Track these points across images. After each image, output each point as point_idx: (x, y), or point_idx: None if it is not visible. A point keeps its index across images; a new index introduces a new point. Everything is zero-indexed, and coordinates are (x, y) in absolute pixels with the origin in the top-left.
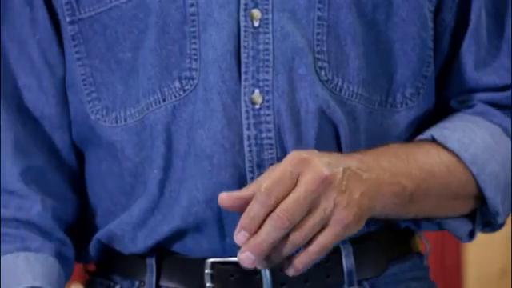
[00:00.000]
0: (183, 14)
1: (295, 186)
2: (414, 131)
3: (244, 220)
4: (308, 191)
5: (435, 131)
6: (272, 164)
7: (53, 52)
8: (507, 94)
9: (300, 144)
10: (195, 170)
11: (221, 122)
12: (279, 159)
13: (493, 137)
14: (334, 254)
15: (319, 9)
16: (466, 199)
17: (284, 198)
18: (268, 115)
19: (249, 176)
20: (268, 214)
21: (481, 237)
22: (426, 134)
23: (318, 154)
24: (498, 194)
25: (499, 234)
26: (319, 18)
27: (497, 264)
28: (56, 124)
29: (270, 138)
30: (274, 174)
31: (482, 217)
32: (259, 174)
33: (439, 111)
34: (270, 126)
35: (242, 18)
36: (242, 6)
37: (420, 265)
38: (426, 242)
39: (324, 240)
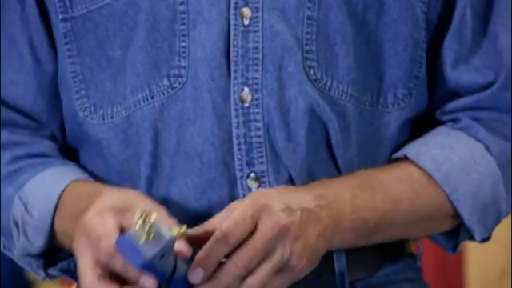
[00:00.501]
0: (173, 11)
1: (254, 230)
2: (406, 132)
3: (201, 255)
4: (266, 240)
5: (411, 148)
6: (262, 163)
7: (43, 50)
8: (491, 91)
9: (290, 142)
10: (185, 168)
11: (211, 120)
12: (268, 157)
13: (473, 156)
14: (325, 255)
15: (309, 8)
16: (442, 219)
17: (242, 239)
18: (257, 113)
19: (238, 174)
20: (224, 254)
21: None
22: (401, 152)
23: (277, 197)
24: (474, 213)
25: (500, 235)
26: (309, 18)
27: (497, 264)
28: (45, 122)
29: (259, 137)
30: (235, 215)
31: (465, 233)
32: (249, 173)
33: (426, 114)
34: (259, 124)
35: (232, 17)
36: (233, 5)
37: (413, 266)
38: (419, 242)
39: (276, 284)
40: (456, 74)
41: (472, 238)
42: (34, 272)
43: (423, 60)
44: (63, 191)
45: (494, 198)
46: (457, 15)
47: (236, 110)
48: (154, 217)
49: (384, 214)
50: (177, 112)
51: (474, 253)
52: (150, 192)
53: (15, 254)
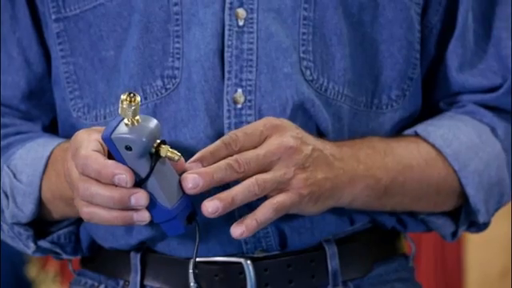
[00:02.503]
0: (167, 12)
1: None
2: (399, 132)
3: (203, 153)
4: (269, 152)
5: (420, 127)
6: None
7: (32, 50)
8: (496, 94)
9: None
10: None
11: (203, 121)
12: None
13: (480, 136)
14: (318, 254)
15: (305, 9)
16: (448, 195)
17: (247, 150)
18: (249, 115)
19: None
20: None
21: (482, 237)
22: (411, 130)
23: (294, 127)
24: (480, 192)
25: (500, 235)
26: (305, 18)
27: (497, 264)
28: (33, 120)
29: None
30: (246, 127)
31: (466, 216)
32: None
33: (427, 114)
34: None
35: (226, 17)
36: (228, 5)
37: (405, 266)
38: (411, 243)
39: (279, 199)
40: (462, 78)
41: (471, 225)
42: (25, 245)
43: (417, 61)
44: (51, 153)
45: (499, 180)
46: (460, 19)
47: (228, 111)
48: (138, 98)
49: (395, 177)
50: (170, 113)
51: (474, 253)
52: None
53: (5, 228)
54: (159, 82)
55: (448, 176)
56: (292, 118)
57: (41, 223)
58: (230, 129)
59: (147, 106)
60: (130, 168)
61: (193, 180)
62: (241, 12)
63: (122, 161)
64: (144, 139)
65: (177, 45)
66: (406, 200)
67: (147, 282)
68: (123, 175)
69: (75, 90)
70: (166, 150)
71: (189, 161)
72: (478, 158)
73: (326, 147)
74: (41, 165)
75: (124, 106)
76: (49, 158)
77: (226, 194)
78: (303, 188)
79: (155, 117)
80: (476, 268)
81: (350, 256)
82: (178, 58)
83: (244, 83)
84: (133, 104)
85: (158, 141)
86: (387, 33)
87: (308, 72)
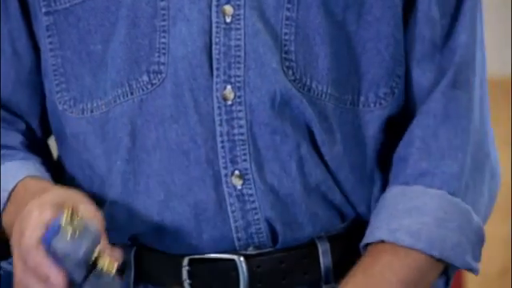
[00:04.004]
0: (154, 7)
1: None
2: (389, 130)
3: None
4: None
5: (383, 230)
6: (245, 160)
7: (22, 42)
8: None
9: (273, 140)
10: (171, 165)
11: (193, 118)
12: (251, 155)
13: (442, 207)
14: (311, 251)
15: (288, 9)
16: (437, 276)
17: None
18: (240, 111)
19: (223, 172)
20: None
21: None
22: (375, 234)
23: None
24: (466, 256)
25: (499, 234)
26: (287, 18)
27: (497, 263)
28: (24, 112)
29: (241, 134)
30: None
31: (455, 270)
32: (233, 170)
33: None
34: (242, 121)
35: (213, 14)
36: (214, 2)
37: None
38: None
39: None
40: (419, 72)
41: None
42: None
43: (403, 59)
44: (15, 187)
45: (476, 231)
46: (419, 13)
47: (219, 108)
48: (81, 212)
49: None
50: (156, 108)
51: None
52: (126, 187)
53: None
54: (145, 77)
55: (430, 265)
56: (280, 113)
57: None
58: (221, 126)
59: (133, 100)
60: (66, 270)
61: None
62: (228, 9)
63: (60, 262)
64: (81, 254)
65: (163, 40)
66: None
67: (141, 279)
68: (55, 279)
69: (62, 82)
70: (103, 263)
71: None
72: (450, 231)
73: None
74: (4, 198)
75: (66, 220)
76: (12, 191)
77: None
78: None
79: (141, 112)
80: None
81: (343, 253)
82: (164, 54)
83: (233, 79)
84: (75, 221)
85: (97, 251)
86: (374, 30)
87: (290, 72)
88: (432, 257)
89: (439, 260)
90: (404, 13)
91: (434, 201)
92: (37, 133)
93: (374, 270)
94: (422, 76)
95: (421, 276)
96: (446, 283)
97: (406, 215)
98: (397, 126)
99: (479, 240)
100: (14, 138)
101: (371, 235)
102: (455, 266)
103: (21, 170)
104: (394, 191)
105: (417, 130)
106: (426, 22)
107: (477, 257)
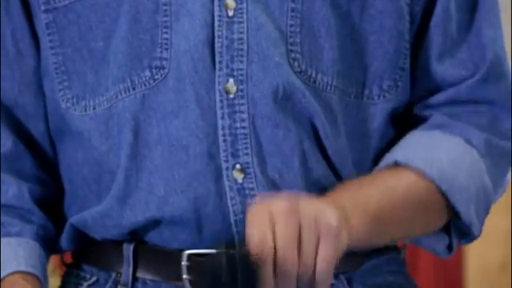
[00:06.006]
0: (156, 3)
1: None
2: (393, 123)
3: None
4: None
5: (397, 152)
6: (247, 154)
7: (25, 42)
8: (470, 83)
9: (275, 134)
10: (171, 160)
11: (194, 112)
12: (253, 149)
13: (456, 149)
14: None
15: (293, 0)
16: (438, 213)
17: None
18: (242, 104)
19: (224, 166)
20: None
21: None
22: (389, 158)
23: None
24: (470, 207)
25: (499, 228)
26: (292, 10)
27: (497, 258)
28: (30, 113)
29: (244, 128)
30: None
31: (458, 229)
32: (234, 164)
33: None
34: (244, 115)
35: (216, 8)
36: None
37: (396, 259)
38: None
39: (324, 252)
40: (442, 68)
41: (463, 236)
42: None
43: (407, 52)
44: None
45: (484, 189)
46: (439, 7)
47: (221, 101)
48: None
49: (382, 205)
50: (158, 104)
51: (473, 246)
52: (128, 183)
53: None
54: (147, 73)
55: (434, 194)
56: (283, 107)
57: None
58: (223, 119)
59: (135, 96)
60: None
61: None
62: (230, 3)
63: None
64: None
65: (165, 35)
66: (398, 227)
67: (139, 274)
68: None
69: (64, 80)
70: None
71: None
72: (461, 173)
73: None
74: None
75: None
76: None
77: None
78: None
79: (143, 107)
80: (475, 261)
81: None
82: (167, 49)
83: (235, 73)
84: None
85: None
86: (377, 23)
87: (296, 64)
88: (439, 193)
89: (446, 205)
90: (423, 8)
91: (449, 143)
92: (42, 135)
93: (375, 177)
94: (444, 72)
95: (420, 201)
96: (449, 248)
97: (421, 149)
98: (401, 120)
99: (486, 198)
100: (14, 192)
101: (384, 160)
102: (458, 212)
103: (14, 256)
104: (411, 133)
105: (439, 117)
106: (446, 18)
107: (480, 216)
